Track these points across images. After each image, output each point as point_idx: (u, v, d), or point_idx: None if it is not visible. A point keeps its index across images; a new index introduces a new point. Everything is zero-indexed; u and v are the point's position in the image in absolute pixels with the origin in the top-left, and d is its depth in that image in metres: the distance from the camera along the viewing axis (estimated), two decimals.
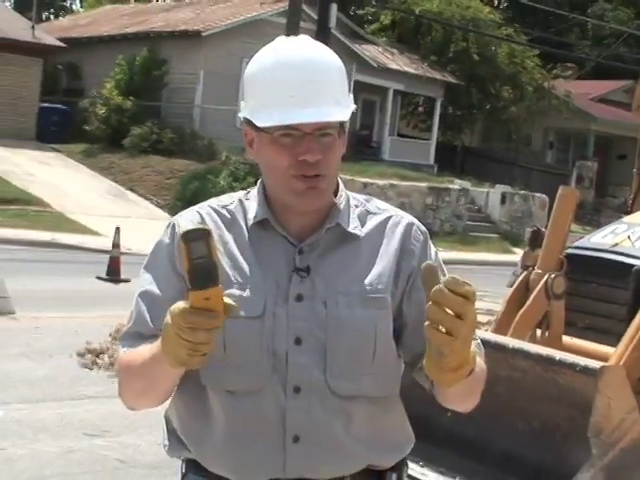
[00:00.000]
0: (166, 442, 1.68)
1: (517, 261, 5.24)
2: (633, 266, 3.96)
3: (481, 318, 5.65)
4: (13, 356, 6.51)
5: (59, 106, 22.69)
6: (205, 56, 21.90)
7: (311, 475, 1.59)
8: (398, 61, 25.76)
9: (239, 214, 1.65)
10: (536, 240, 4.39)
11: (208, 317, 1.32)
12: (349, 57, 20.90)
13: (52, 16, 41.61)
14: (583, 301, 4.26)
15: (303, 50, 1.58)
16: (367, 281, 1.60)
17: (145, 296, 1.60)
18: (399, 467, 1.69)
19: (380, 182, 20.06)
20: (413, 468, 3.40)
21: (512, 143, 28.68)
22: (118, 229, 11.11)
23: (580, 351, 3.88)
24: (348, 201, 1.67)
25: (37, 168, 19.04)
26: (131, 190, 19.07)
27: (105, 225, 14.43)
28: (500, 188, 22.72)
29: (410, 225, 1.67)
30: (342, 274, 1.60)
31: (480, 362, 1.55)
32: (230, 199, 1.69)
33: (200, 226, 1.41)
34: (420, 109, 28.87)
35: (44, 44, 22.66)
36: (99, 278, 10.66)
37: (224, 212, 1.65)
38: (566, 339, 4.17)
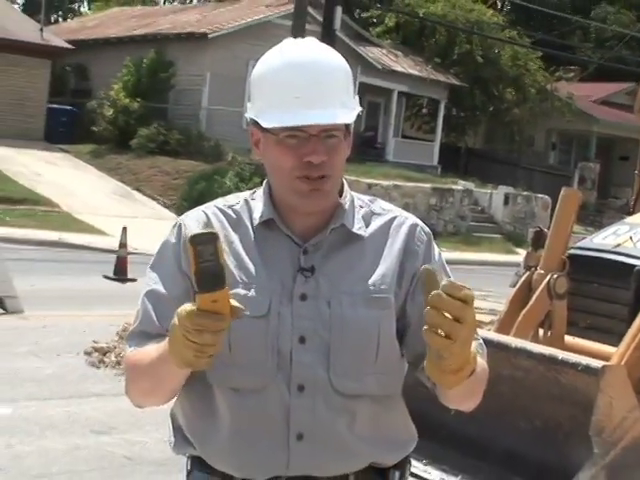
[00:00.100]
0: (172, 439, 1.68)
1: (520, 261, 5.27)
2: (635, 266, 3.98)
3: (484, 318, 5.65)
4: (22, 354, 6.54)
5: (67, 107, 22.75)
6: (211, 58, 21.90)
7: (315, 473, 1.59)
8: (402, 63, 25.71)
9: (245, 214, 1.65)
10: (539, 241, 4.42)
11: (215, 319, 1.32)
12: (354, 59, 20.87)
13: (60, 18, 41.68)
14: (585, 301, 4.27)
15: (310, 52, 1.58)
16: (371, 281, 1.61)
17: (151, 295, 1.61)
18: (402, 465, 1.69)
19: (384, 183, 20.02)
20: (416, 466, 3.41)
21: (515, 144, 28.55)
22: (125, 229, 11.13)
23: (582, 351, 3.89)
24: (353, 202, 1.67)
25: (45, 168, 19.05)
26: (138, 190, 19.08)
27: (112, 225, 14.43)
28: (503, 189, 22.64)
29: (414, 226, 1.68)
30: (346, 274, 1.60)
31: (481, 362, 1.54)
32: (236, 199, 1.69)
33: (208, 230, 1.41)
34: (424, 111, 28.79)
35: (52, 46, 22.70)
36: (106, 277, 10.66)
37: (230, 212, 1.66)
38: (568, 339, 4.19)
